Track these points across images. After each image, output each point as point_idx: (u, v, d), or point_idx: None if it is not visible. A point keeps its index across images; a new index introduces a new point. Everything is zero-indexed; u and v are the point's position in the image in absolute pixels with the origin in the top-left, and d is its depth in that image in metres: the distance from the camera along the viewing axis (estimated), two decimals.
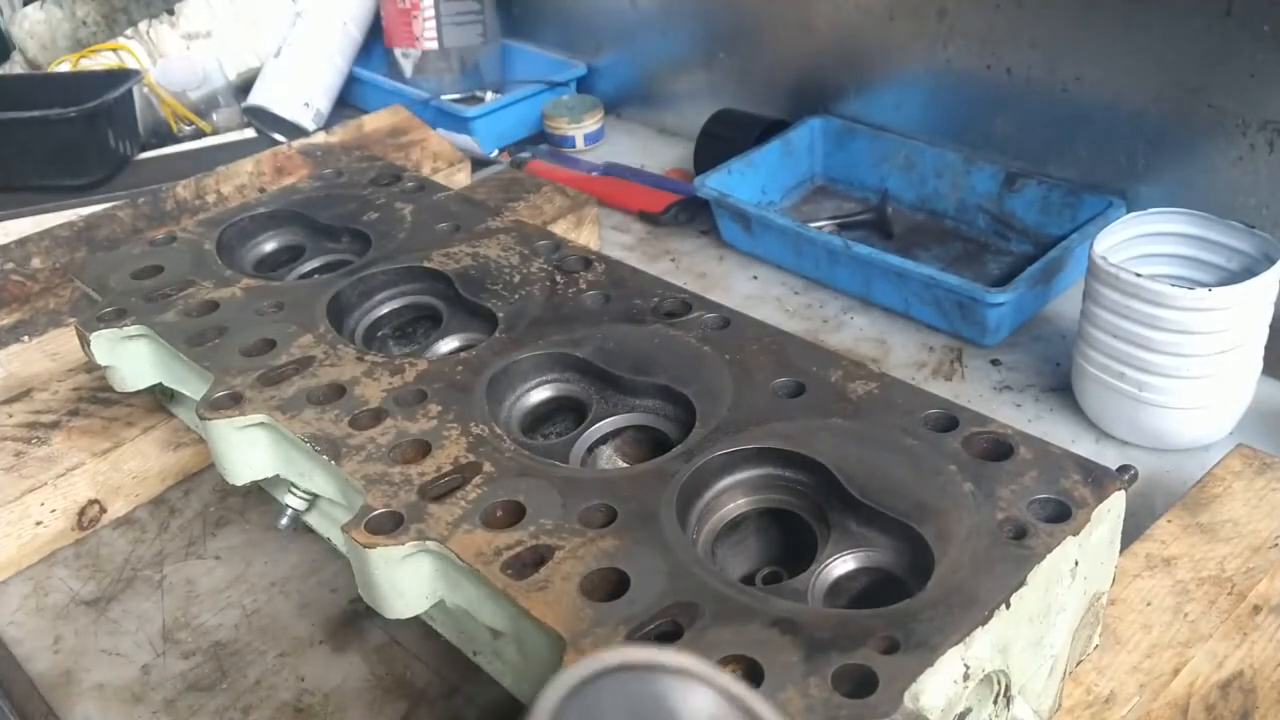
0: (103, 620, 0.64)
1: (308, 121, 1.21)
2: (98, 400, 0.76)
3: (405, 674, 0.59)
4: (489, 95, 1.24)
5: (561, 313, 0.66)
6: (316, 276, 0.75)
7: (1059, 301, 0.86)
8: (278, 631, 0.63)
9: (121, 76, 1.18)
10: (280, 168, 1.01)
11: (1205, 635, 0.55)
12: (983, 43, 0.90)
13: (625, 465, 0.58)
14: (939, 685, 0.41)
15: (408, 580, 0.52)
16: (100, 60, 1.25)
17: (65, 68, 1.25)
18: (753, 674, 0.42)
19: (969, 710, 0.44)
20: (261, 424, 0.60)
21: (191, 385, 0.67)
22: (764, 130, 1.01)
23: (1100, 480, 0.50)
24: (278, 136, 1.20)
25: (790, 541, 0.54)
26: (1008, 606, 0.44)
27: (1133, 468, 0.51)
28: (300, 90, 1.22)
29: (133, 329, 0.68)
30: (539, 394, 0.63)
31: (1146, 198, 0.83)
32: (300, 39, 1.24)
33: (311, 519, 0.66)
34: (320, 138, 1.05)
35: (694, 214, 1.01)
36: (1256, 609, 0.56)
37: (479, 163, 1.12)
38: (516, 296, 0.68)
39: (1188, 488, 0.63)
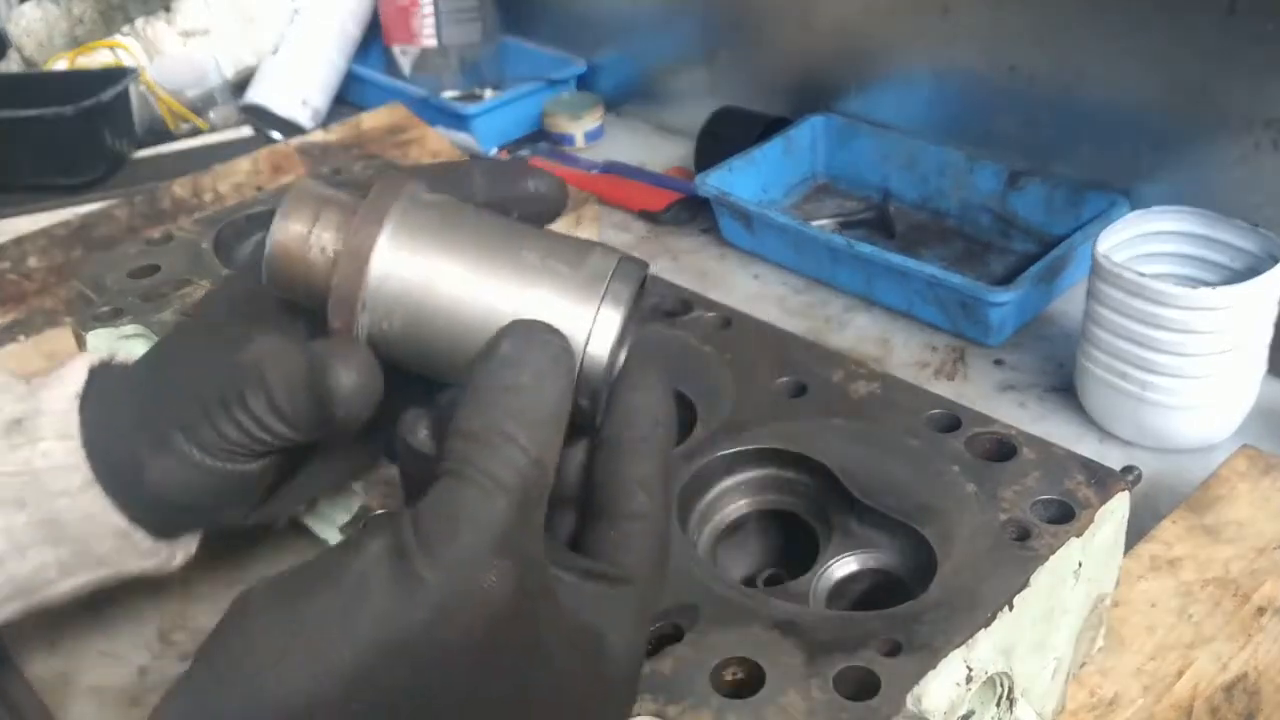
0: (99, 622, 0.64)
1: (305, 119, 1.21)
2: None
3: None
4: (488, 93, 1.24)
5: None
6: None
7: (1062, 300, 0.86)
8: None
9: (118, 74, 1.17)
10: (278, 166, 1.01)
11: (1209, 637, 0.54)
12: (985, 40, 0.90)
13: None
14: (941, 688, 0.41)
15: None
16: (97, 58, 1.24)
17: (62, 65, 1.24)
18: (754, 676, 0.41)
19: (972, 713, 0.43)
20: None
21: None
22: (765, 128, 1.01)
23: (1104, 481, 0.49)
24: (275, 134, 1.20)
25: (792, 543, 0.54)
26: (1011, 608, 0.43)
27: (1137, 468, 0.51)
28: (298, 88, 1.21)
29: (129, 328, 0.67)
30: None
31: (1150, 196, 0.83)
32: (298, 36, 1.24)
33: (309, 519, 0.66)
34: (318, 136, 1.05)
35: (695, 212, 1.01)
36: (1261, 611, 0.56)
37: None
38: None
39: (1192, 488, 0.63)
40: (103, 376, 0.46)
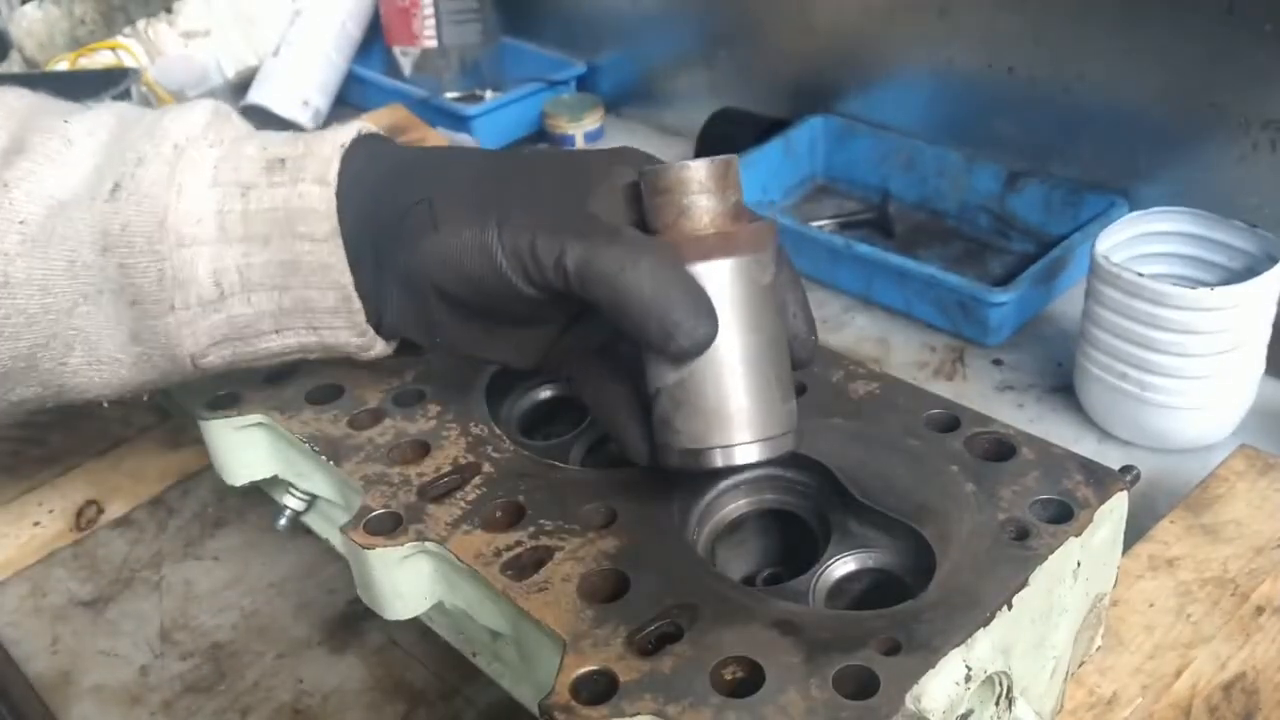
0: (101, 621, 0.64)
1: (306, 120, 1.21)
2: None
3: (404, 675, 0.59)
4: (488, 94, 1.24)
5: None
6: None
7: (1061, 301, 0.86)
8: (276, 633, 0.62)
9: (119, 75, 1.17)
10: None
11: (1208, 636, 0.55)
12: (984, 41, 0.90)
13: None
14: (941, 687, 0.41)
15: (406, 581, 0.51)
16: (98, 59, 1.24)
17: (63, 66, 1.25)
18: (754, 675, 0.41)
19: (970, 712, 0.43)
20: (260, 424, 0.60)
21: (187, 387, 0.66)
22: (765, 129, 1.01)
23: (1103, 481, 0.49)
24: None
25: (791, 542, 0.54)
26: (1010, 608, 0.44)
27: (1135, 468, 0.51)
28: (299, 89, 1.21)
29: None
30: (539, 394, 0.62)
31: (1148, 197, 0.83)
32: (299, 37, 1.24)
33: (310, 520, 0.66)
34: None
35: None
36: (1259, 610, 0.56)
37: None
38: None
39: (1190, 488, 0.63)
40: (371, 142, 0.48)
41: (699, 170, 0.45)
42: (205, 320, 0.48)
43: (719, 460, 0.46)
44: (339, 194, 0.46)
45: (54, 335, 0.48)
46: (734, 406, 0.45)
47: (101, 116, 0.49)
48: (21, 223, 0.46)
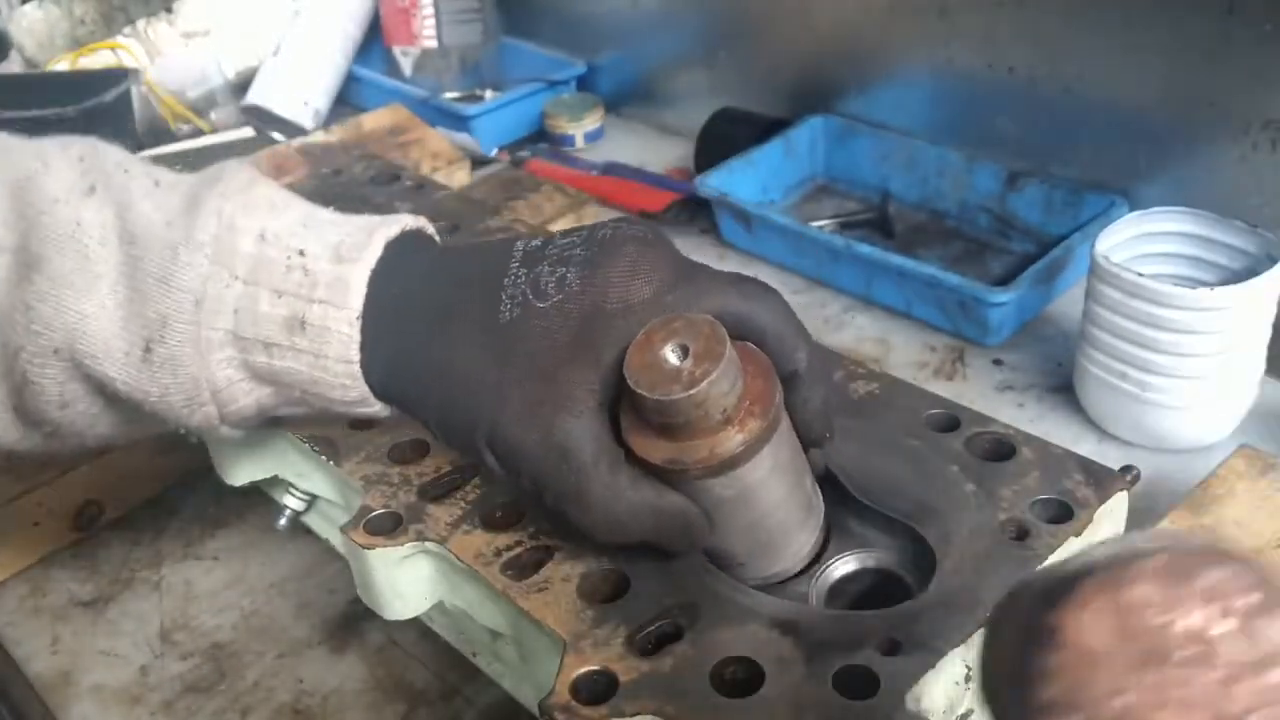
0: (101, 621, 0.64)
1: (307, 120, 1.21)
2: None
3: (404, 675, 0.59)
4: (488, 93, 1.24)
5: None
6: None
7: (1061, 301, 0.86)
8: (276, 633, 0.62)
9: (119, 75, 1.17)
10: (279, 166, 1.01)
11: None
12: (984, 41, 0.90)
13: None
14: (941, 687, 0.41)
15: (407, 581, 0.51)
16: (98, 59, 1.24)
17: (63, 66, 1.25)
18: (754, 675, 0.41)
19: (970, 712, 0.43)
20: None
21: None
22: (765, 129, 1.01)
23: (1103, 481, 0.49)
24: (276, 135, 1.20)
25: None
26: None
27: (1135, 468, 0.51)
28: (299, 89, 1.21)
29: None
30: None
31: (1149, 197, 0.83)
32: (299, 37, 1.24)
33: (310, 520, 0.66)
34: (319, 136, 1.05)
35: (694, 213, 1.01)
36: None
37: (478, 161, 1.12)
38: None
39: (1191, 488, 0.63)
40: (387, 298, 0.47)
41: (672, 404, 0.40)
42: (245, 421, 0.50)
43: (762, 582, 0.48)
44: (364, 364, 0.47)
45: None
46: (761, 554, 0.47)
47: (104, 212, 0.48)
48: (55, 352, 0.46)
